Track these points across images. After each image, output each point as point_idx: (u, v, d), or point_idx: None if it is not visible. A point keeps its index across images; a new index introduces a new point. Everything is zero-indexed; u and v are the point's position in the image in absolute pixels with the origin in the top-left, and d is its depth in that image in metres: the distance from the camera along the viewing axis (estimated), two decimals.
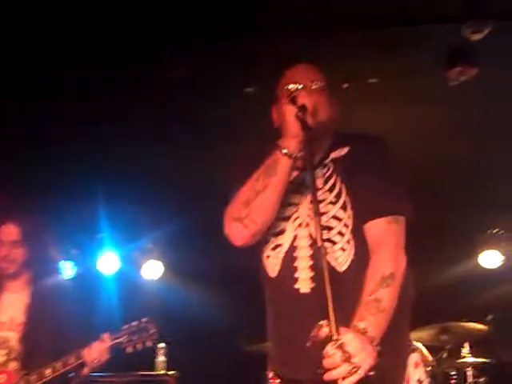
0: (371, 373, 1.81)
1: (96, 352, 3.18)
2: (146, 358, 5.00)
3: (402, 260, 2.04)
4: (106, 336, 3.23)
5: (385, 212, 2.06)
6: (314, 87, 2.13)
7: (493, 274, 5.93)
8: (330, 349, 1.77)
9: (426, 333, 5.06)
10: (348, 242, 2.07)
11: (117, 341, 3.25)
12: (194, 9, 3.34)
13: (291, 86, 2.12)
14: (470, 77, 3.53)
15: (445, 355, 5.05)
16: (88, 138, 4.47)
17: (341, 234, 2.08)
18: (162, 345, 5.24)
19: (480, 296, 5.61)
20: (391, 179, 2.14)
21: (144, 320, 3.34)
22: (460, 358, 4.95)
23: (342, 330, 1.80)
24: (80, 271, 5.91)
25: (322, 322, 1.81)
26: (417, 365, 2.18)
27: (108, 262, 6.04)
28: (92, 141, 4.50)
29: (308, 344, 1.85)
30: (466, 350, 4.95)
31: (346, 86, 3.75)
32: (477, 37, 3.32)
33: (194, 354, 5.67)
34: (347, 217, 2.09)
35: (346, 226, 2.08)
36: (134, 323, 3.32)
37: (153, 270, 6.17)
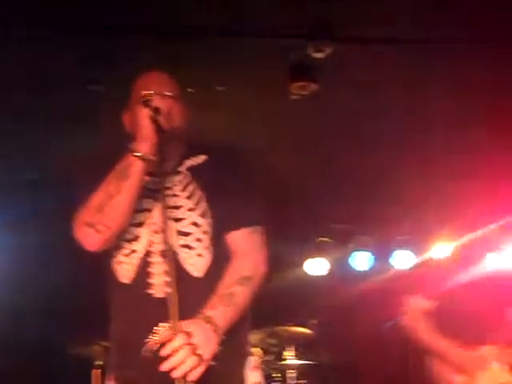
0: (213, 363, 1.86)
1: None
2: None
3: (262, 267, 2.14)
4: None
5: (246, 223, 2.15)
6: (167, 93, 2.14)
7: (318, 280, 6.23)
8: (175, 344, 1.79)
9: (254, 337, 5.23)
10: (206, 248, 2.09)
11: None
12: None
13: (145, 91, 2.10)
14: (311, 92, 3.69)
15: (271, 358, 5.25)
16: None
17: (198, 240, 2.09)
18: None
19: (306, 301, 5.87)
20: (251, 190, 2.23)
21: None
22: (284, 361, 5.16)
23: (185, 323, 1.85)
24: None
25: (162, 325, 1.83)
26: (254, 368, 2.24)
27: None
28: None
29: (143, 352, 1.85)
30: (290, 352, 5.16)
31: (190, 90, 3.76)
32: (319, 55, 3.49)
33: (18, 359, 5.39)
34: (206, 224, 2.11)
35: (204, 232, 2.10)
36: None
37: None
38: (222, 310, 1.95)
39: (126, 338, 2.12)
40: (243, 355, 2.18)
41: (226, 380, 2.05)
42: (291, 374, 5.11)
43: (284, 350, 5.17)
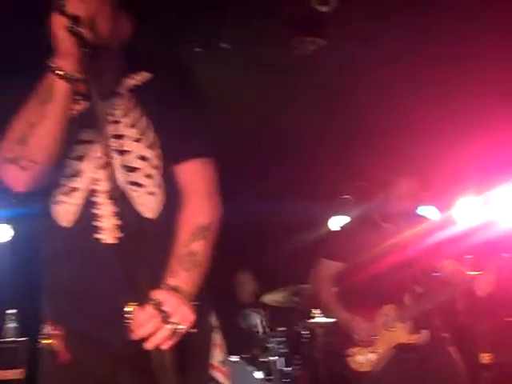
0: (194, 330, 1.68)
1: None
2: None
3: (217, 207, 1.87)
4: None
5: (197, 153, 1.87)
6: None
7: None
8: (146, 313, 1.59)
9: (279, 295, 5.29)
10: (158, 185, 1.83)
11: None
12: None
13: None
14: (318, 47, 3.66)
15: (296, 316, 5.31)
16: None
17: (149, 176, 1.83)
18: (13, 311, 5.06)
19: None
20: (202, 117, 1.93)
21: None
22: (311, 319, 5.21)
23: (154, 292, 1.64)
24: None
25: (128, 309, 1.61)
26: (217, 346, 1.99)
27: None
28: None
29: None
30: (316, 311, 5.21)
31: (198, 50, 3.71)
32: (324, 8, 3.43)
33: None
34: (155, 157, 1.84)
35: (154, 167, 1.83)
36: None
37: None
38: (185, 276, 1.71)
39: (70, 286, 1.84)
40: (209, 315, 1.95)
41: (195, 349, 1.81)
42: (319, 331, 5.17)
43: (311, 308, 5.22)
